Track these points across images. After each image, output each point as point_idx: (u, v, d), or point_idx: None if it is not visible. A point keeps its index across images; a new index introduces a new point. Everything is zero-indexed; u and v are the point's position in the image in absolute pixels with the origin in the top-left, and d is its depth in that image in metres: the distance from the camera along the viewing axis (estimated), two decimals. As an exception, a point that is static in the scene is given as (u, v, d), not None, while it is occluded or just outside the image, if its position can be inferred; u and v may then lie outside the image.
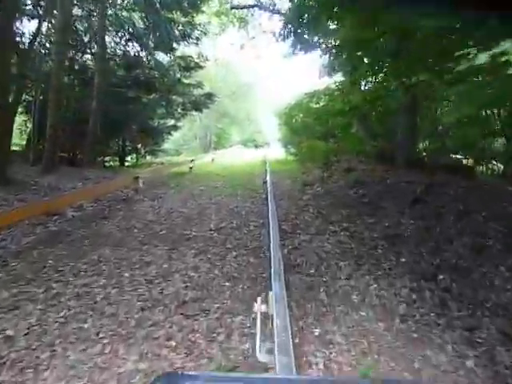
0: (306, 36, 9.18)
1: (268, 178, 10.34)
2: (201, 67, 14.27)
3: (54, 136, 9.35)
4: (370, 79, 9.34)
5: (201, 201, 7.83)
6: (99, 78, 11.44)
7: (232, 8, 16.44)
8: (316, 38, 9.83)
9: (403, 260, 4.30)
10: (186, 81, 14.46)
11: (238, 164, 17.35)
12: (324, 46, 10.77)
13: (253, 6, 15.88)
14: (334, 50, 9.48)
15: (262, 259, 4.35)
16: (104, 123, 12.53)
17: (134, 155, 17.38)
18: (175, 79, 13.90)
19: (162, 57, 14.00)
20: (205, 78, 32.38)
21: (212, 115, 34.17)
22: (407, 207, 5.53)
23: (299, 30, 8.48)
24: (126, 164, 16.65)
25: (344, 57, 8.70)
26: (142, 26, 12.40)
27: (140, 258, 4.27)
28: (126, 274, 3.83)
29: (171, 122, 16.85)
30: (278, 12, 16.18)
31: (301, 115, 14.15)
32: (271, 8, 16.15)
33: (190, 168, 13.14)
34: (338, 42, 8.88)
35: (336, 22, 8.20)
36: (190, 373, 1.66)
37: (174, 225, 5.73)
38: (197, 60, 14.17)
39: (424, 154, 9.28)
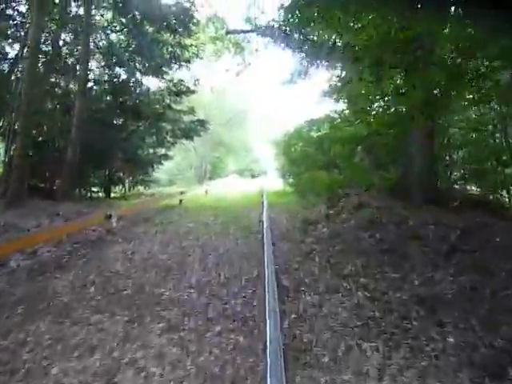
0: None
1: (265, 213, 9.22)
2: (192, 92, 13.38)
3: (21, 166, 8.26)
4: (381, 103, 8.41)
5: (186, 242, 6.64)
6: (80, 104, 10.47)
7: (228, 33, 15.76)
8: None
9: (451, 340, 3.08)
10: (176, 107, 13.55)
11: (233, 196, 16.25)
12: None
13: (249, 31, 15.20)
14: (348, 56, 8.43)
15: (255, 339, 3.13)
16: (86, 152, 11.48)
17: (122, 186, 16.25)
18: (165, 105, 12.98)
19: (152, 82, 13.20)
20: (199, 105, 31.88)
21: (207, 144, 33.49)
22: (442, 258, 4.36)
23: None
24: (113, 195, 15.54)
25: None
26: (130, 49, 11.57)
27: (83, 339, 3.03)
28: (54, 371, 2.60)
29: (162, 150, 15.88)
30: (276, 37, 15.57)
31: (300, 144, 13.19)
32: (268, 33, 15.51)
33: (180, 201, 11.99)
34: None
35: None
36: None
37: (145, 280, 4.51)
38: (188, 84, 13.30)
39: (444, 186, 8.24)
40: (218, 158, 36.47)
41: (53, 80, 12.21)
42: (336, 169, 11.48)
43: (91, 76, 12.35)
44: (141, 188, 18.31)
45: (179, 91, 12.99)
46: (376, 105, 9.10)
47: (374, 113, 9.23)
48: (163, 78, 12.60)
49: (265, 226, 7.21)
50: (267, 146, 27.87)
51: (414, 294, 3.85)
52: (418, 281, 4.09)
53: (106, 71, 11.93)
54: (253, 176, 41.47)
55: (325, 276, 4.58)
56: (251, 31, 15.00)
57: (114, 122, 12.82)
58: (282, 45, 15.95)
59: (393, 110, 7.98)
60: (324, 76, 21.00)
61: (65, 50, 12.18)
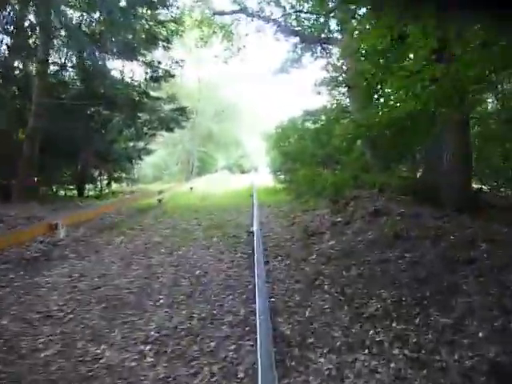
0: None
1: (255, 215, 7.86)
2: (172, 76, 11.81)
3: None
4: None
5: (156, 258, 5.25)
6: (40, 89, 8.94)
7: (215, 14, 14.27)
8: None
9: None
10: (154, 94, 11.99)
11: (221, 194, 14.84)
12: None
13: (238, 12, 13.74)
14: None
15: None
16: (51, 145, 9.99)
17: (99, 183, 14.67)
18: (140, 91, 11.41)
19: (126, 66, 11.64)
20: (186, 97, 30.36)
21: (195, 138, 31.92)
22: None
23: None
24: (90, 193, 14.02)
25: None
26: (100, 27, 10.01)
27: None
28: None
29: (141, 144, 14.34)
30: (268, 19, 14.15)
31: (296, 136, 11.81)
32: (260, 15, 14.06)
33: (159, 201, 10.54)
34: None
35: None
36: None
37: (82, 328, 3.10)
38: (168, 68, 11.71)
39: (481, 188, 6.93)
40: (206, 153, 34.79)
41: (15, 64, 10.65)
42: (336, 164, 10.13)
43: (57, 60, 10.80)
44: (122, 185, 16.79)
45: (157, 76, 11.44)
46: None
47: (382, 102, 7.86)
48: (138, 61, 11.04)
49: (255, 235, 5.84)
50: (258, 140, 26.56)
51: (482, 358, 2.51)
52: (482, 332, 2.74)
53: (74, 53, 10.32)
54: (243, 172, 40.00)
55: (341, 317, 3.22)
56: (240, 11, 13.56)
57: (87, 111, 11.23)
58: (275, 28, 14.62)
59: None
60: (318, 64, 19.48)
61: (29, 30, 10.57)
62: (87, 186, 14.20)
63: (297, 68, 17.52)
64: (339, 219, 5.76)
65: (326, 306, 3.43)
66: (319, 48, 16.06)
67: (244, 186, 17.96)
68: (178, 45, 23.22)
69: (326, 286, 3.83)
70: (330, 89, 13.83)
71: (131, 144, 13.95)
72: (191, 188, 16.00)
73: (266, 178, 20.81)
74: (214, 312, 3.39)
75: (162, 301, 3.65)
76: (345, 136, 9.80)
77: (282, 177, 15.76)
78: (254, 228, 6.44)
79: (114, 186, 15.95)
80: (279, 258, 4.98)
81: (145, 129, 12.33)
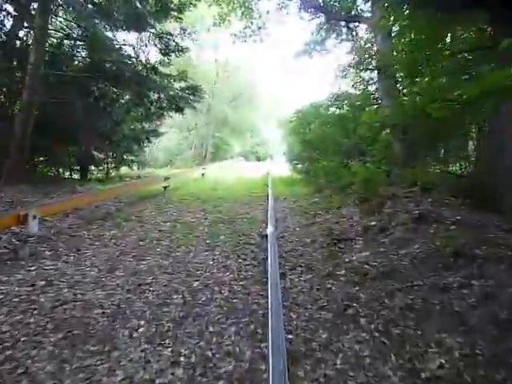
0: None
1: (270, 210, 6.87)
2: (182, 50, 10.72)
3: None
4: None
5: (148, 259, 4.34)
6: (37, 57, 8.02)
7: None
8: None
9: None
10: (163, 70, 10.93)
11: (233, 182, 13.82)
12: None
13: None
14: None
15: None
16: (47, 123, 9.12)
17: (106, 166, 13.81)
18: (149, 67, 10.38)
19: (137, 41, 10.63)
20: (203, 79, 29.32)
21: (211, 123, 30.91)
22: None
23: None
24: (93, 177, 13.23)
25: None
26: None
27: None
28: None
29: (152, 125, 13.39)
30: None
31: (317, 122, 10.68)
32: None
33: (164, 188, 9.62)
34: None
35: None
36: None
37: (21, 372, 2.19)
38: (177, 40, 10.61)
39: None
40: (221, 138, 33.69)
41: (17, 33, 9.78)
42: (362, 156, 9.02)
43: (60, 29, 9.85)
44: (132, 168, 15.93)
45: (168, 49, 10.37)
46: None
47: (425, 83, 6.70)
48: (147, 32, 9.97)
49: (269, 236, 4.85)
50: (275, 127, 25.47)
51: None
52: None
53: (76, 21, 9.34)
54: (259, 159, 38.90)
55: (386, 374, 2.23)
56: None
57: (91, 87, 10.30)
58: (298, 3, 13.39)
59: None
60: (343, 49, 18.08)
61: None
62: (93, 169, 13.42)
63: (320, 52, 16.37)
64: (373, 223, 4.70)
65: (365, 354, 2.44)
66: (345, 29, 14.83)
67: (259, 175, 16.92)
68: (196, 23, 22.25)
69: (362, 320, 2.83)
70: (357, 72, 12.70)
71: (139, 125, 12.97)
72: (203, 174, 15.06)
73: (282, 168, 19.76)
74: (209, 354, 2.44)
75: (140, 330, 2.71)
76: (371, 124, 8.75)
77: (300, 166, 14.68)
78: (269, 222, 5.48)
79: (123, 169, 15.17)
80: (298, 269, 3.98)
81: (152, 108, 11.30)
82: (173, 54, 10.63)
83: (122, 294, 3.33)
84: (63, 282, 3.54)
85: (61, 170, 12.77)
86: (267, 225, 5.67)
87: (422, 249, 3.68)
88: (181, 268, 4.09)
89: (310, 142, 10.51)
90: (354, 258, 3.92)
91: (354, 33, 14.79)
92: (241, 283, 3.67)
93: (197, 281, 3.71)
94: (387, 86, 9.64)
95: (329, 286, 3.47)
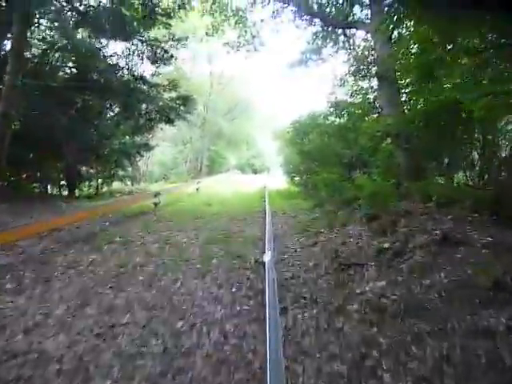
0: None
1: (268, 227, 6.29)
2: (171, 57, 10.19)
3: None
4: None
5: (127, 290, 3.75)
6: (14, 68, 7.49)
7: (226, -5, 12.72)
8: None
9: None
10: (153, 80, 10.37)
11: (230, 196, 13.27)
12: None
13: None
14: None
15: None
16: (30, 136, 8.57)
17: (94, 182, 13.17)
18: (137, 76, 9.86)
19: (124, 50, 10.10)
20: (196, 92, 28.92)
21: (205, 136, 30.46)
22: None
23: None
24: (80, 193, 12.64)
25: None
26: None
27: None
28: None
29: (142, 139, 12.82)
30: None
31: (315, 133, 10.15)
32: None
33: (155, 204, 9.05)
34: None
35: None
36: None
37: None
38: (166, 47, 10.04)
39: None
40: (216, 151, 33.10)
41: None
42: (364, 167, 8.48)
43: (43, 38, 9.37)
44: (126, 183, 15.28)
45: (156, 57, 9.83)
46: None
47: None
48: (134, 40, 9.43)
49: (267, 259, 4.26)
50: (271, 139, 25.07)
51: None
52: None
53: (63, 32, 8.85)
54: (255, 172, 38.35)
55: None
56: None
57: (75, 99, 9.76)
58: (293, 11, 12.99)
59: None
60: (340, 58, 17.59)
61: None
62: (83, 184, 12.81)
63: (316, 61, 15.98)
64: (386, 245, 4.09)
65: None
66: (342, 37, 14.46)
67: (255, 188, 16.40)
68: (188, 34, 21.96)
69: (385, 375, 2.23)
70: (355, 81, 12.28)
71: (129, 138, 12.39)
72: (197, 189, 14.50)
73: (279, 180, 19.26)
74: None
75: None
76: (372, 134, 8.30)
77: (297, 179, 14.15)
78: (267, 242, 4.92)
79: (115, 184, 14.58)
80: (301, 301, 3.38)
81: (141, 120, 10.72)
82: (161, 63, 10.11)
83: (89, 341, 2.72)
84: (19, 325, 2.93)
85: (49, 187, 12.19)
86: (264, 245, 5.09)
87: (451, 278, 3.08)
88: (164, 301, 3.49)
89: (308, 152, 9.99)
90: (367, 288, 3.32)
91: (351, 41, 14.45)
92: (234, 322, 3.06)
93: (182, 319, 3.11)
94: (389, 94, 9.17)
95: (339, 325, 2.87)
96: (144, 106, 10.32)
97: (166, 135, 34.96)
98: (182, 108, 10.56)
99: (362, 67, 10.71)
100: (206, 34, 15.67)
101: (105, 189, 13.56)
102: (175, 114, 10.56)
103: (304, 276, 4.07)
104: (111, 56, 9.96)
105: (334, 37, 14.52)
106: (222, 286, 3.94)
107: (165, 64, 10.35)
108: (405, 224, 4.46)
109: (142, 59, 9.69)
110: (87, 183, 12.49)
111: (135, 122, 11.02)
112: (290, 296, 3.53)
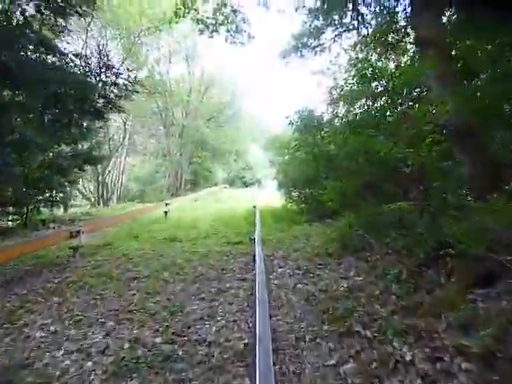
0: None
1: (258, 287, 2.85)
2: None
3: None
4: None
5: None
6: None
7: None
8: None
9: None
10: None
11: (208, 221, 9.70)
12: None
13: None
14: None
15: None
16: None
17: (27, 208, 9.49)
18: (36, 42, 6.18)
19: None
20: (177, 95, 25.47)
21: (185, 147, 26.92)
22: None
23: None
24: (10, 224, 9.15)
25: None
26: None
27: None
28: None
29: (83, 146, 9.20)
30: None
31: (323, 133, 6.83)
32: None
33: (73, 249, 5.53)
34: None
35: None
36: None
37: None
38: None
39: None
40: (200, 164, 28.93)
41: None
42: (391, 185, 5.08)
43: None
44: (56, 209, 11.22)
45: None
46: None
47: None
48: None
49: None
50: (263, 148, 21.92)
51: None
52: None
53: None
54: (245, 185, 34.63)
55: None
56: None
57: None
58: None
59: None
60: (341, 44, 14.27)
61: None
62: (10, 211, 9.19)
63: (313, 50, 12.72)
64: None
65: None
66: (350, 13, 11.20)
67: (244, 208, 12.83)
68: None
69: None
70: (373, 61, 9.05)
71: (66, 147, 8.82)
72: (165, 213, 10.89)
73: (272, 195, 15.88)
74: None
75: None
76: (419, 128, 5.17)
77: (295, 194, 10.69)
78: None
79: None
80: None
81: (56, 111, 6.94)
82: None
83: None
84: None
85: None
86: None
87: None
88: None
89: (331, 158, 6.32)
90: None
91: (361, 18, 11.24)
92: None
93: None
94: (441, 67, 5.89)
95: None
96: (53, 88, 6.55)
97: (145, 148, 31.37)
98: (114, 90, 6.96)
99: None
100: (176, 14, 12.32)
101: (41, 216, 9.91)
102: (106, 101, 6.90)
103: None
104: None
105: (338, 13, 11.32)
106: None
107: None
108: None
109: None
110: (6, 211, 8.77)
111: (58, 119, 7.29)
112: None
